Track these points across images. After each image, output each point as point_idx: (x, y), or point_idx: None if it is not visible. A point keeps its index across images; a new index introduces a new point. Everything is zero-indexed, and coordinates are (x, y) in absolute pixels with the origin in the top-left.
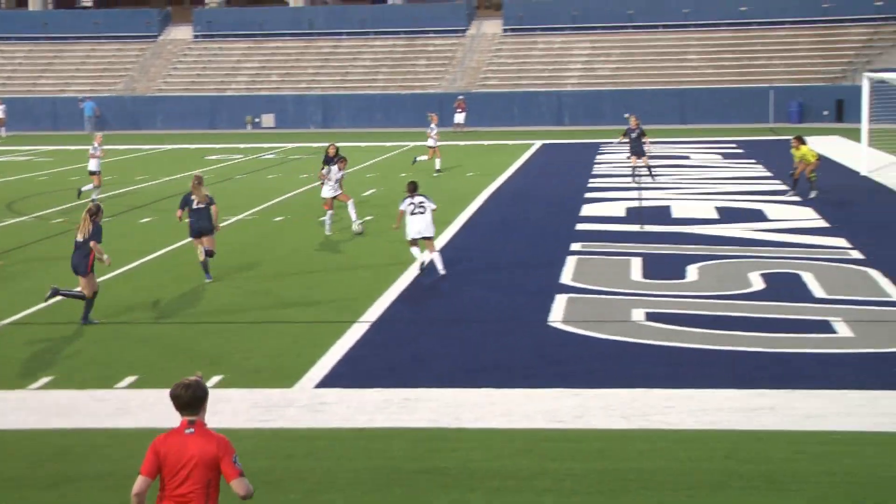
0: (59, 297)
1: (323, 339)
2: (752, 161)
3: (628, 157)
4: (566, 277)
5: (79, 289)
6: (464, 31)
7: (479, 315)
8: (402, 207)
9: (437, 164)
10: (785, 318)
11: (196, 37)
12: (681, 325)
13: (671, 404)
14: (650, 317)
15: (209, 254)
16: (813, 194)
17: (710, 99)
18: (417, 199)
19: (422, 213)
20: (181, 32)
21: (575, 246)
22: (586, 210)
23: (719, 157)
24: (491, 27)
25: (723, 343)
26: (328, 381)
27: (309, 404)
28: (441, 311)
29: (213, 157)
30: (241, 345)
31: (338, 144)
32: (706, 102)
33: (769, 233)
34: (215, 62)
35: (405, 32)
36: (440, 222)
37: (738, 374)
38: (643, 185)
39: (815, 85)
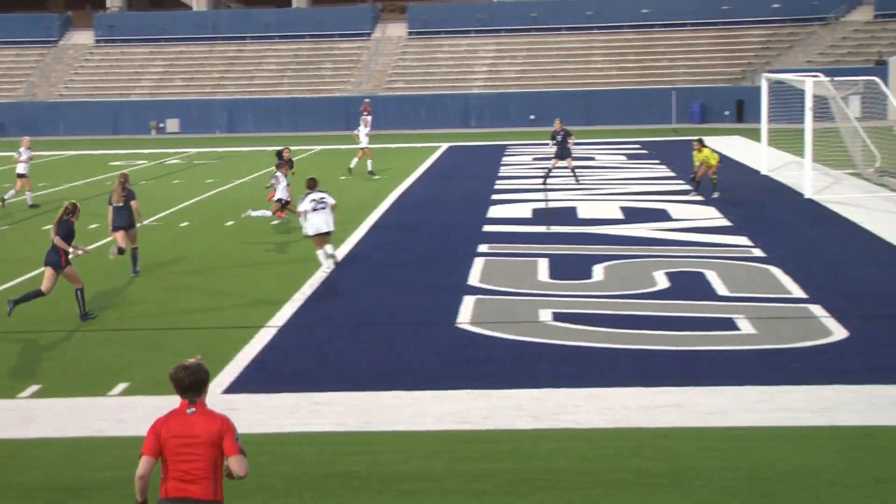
0: (19, 305)
1: (231, 344)
2: (656, 161)
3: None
4: (474, 279)
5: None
6: (369, 34)
7: (387, 317)
8: (301, 207)
9: (353, 163)
10: (689, 316)
11: (98, 41)
12: (587, 325)
13: (579, 403)
14: (557, 317)
15: (121, 251)
16: (716, 195)
17: (615, 100)
18: (318, 195)
19: (322, 208)
20: (82, 37)
21: (482, 247)
22: (493, 211)
23: (624, 157)
24: (396, 30)
25: (628, 342)
26: (237, 387)
27: (217, 410)
28: (349, 313)
29: (117, 162)
30: (147, 352)
31: (244, 149)
32: (610, 104)
33: (673, 232)
34: (118, 67)
35: (310, 36)
36: (348, 224)
37: (644, 373)
38: (549, 187)
39: (716, 86)
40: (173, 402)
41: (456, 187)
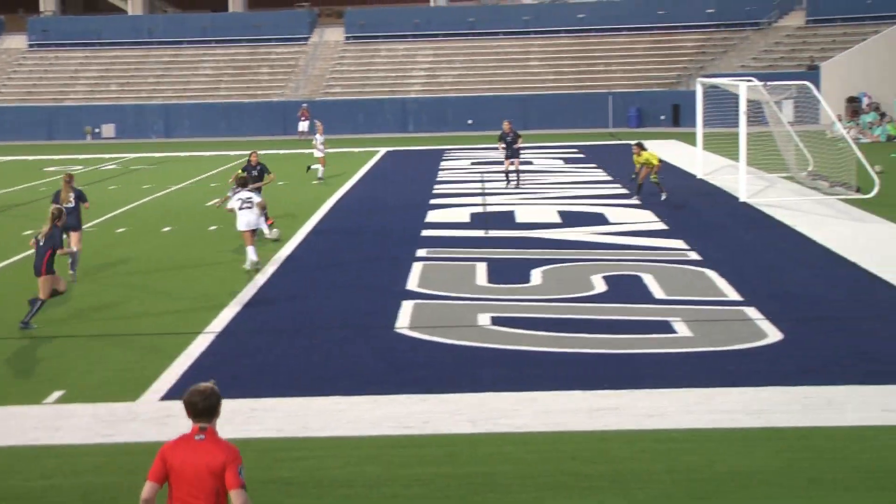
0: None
1: (168, 350)
2: (593, 165)
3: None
4: (412, 283)
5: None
6: (306, 38)
7: (326, 322)
8: (230, 205)
9: (320, 172)
10: (626, 319)
11: (31, 46)
12: (525, 329)
13: (517, 407)
14: (496, 321)
15: (72, 254)
16: (663, 197)
17: (552, 105)
18: (245, 194)
19: (249, 207)
20: (15, 41)
21: (421, 252)
22: (431, 216)
23: (561, 162)
24: (333, 35)
25: (566, 345)
26: (174, 393)
27: (154, 417)
28: (287, 318)
29: (52, 168)
30: (83, 358)
31: (181, 154)
32: (548, 108)
33: (610, 236)
34: (52, 71)
35: (247, 41)
36: (288, 228)
37: (581, 376)
38: (487, 191)
39: (652, 90)
40: (111, 408)
41: (394, 192)
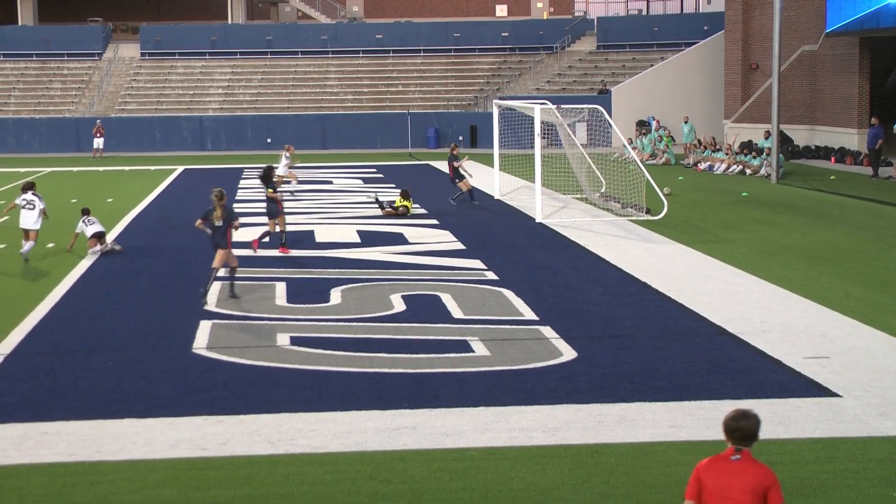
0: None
1: None
2: (392, 185)
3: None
4: (210, 303)
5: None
6: (100, 54)
7: (121, 343)
8: (16, 201)
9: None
10: (425, 338)
11: None
12: (324, 349)
13: (316, 427)
14: (294, 341)
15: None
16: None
17: (351, 124)
18: (29, 196)
19: (31, 209)
20: None
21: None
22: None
23: (360, 181)
24: (128, 51)
25: (365, 365)
26: None
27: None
28: (81, 339)
29: None
30: None
31: None
32: (347, 128)
33: (409, 255)
34: None
35: (38, 55)
36: (82, 247)
37: (380, 396)
38: (288, 211)
39: (449, 111)
40: None
41: (191, 210)
